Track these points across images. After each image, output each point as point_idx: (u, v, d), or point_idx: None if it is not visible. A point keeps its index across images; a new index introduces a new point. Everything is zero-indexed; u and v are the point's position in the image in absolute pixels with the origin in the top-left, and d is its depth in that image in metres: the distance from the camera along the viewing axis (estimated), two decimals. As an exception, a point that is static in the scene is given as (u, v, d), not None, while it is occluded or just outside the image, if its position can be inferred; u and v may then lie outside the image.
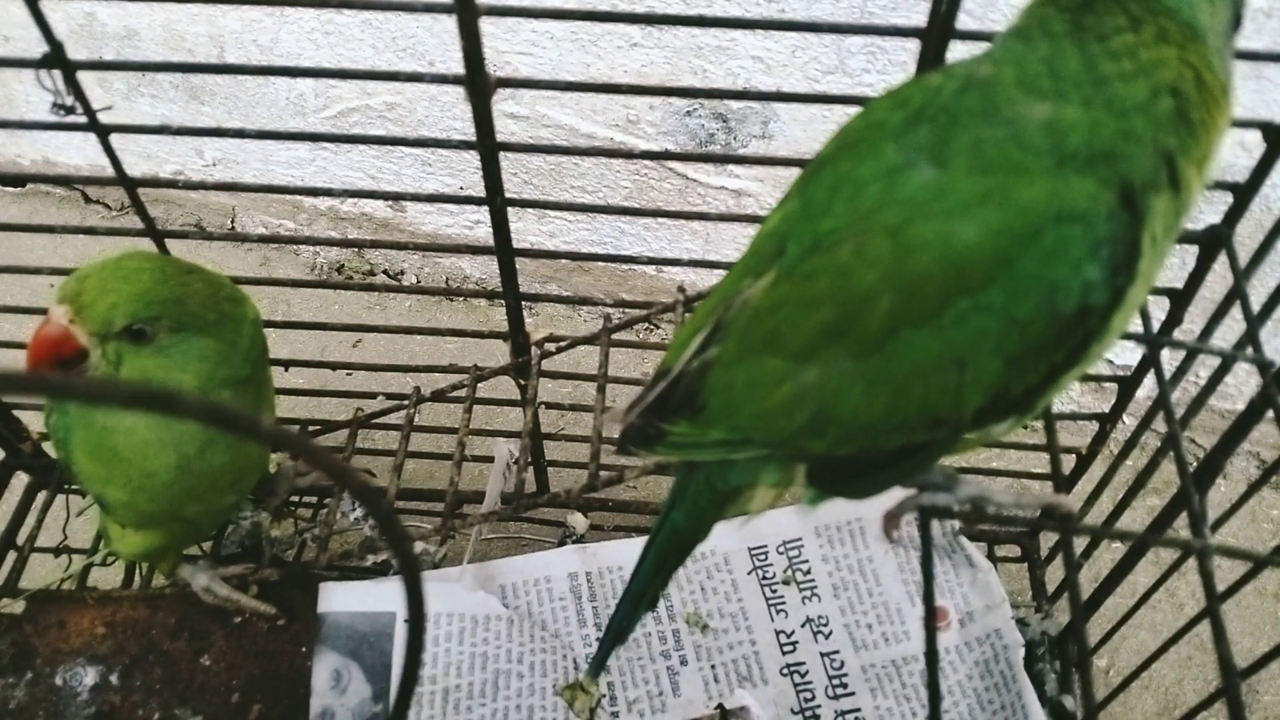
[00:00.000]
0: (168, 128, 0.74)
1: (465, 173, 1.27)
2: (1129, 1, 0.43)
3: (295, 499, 0.96)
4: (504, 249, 0.76)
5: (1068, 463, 0.84)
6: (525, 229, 1.29)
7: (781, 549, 0.91)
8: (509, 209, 0.73)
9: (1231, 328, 0.70)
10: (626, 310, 0.86)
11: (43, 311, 0.64)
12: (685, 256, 0.83)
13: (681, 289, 0.83)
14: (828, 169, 0.48)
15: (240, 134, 0.77)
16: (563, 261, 1.33)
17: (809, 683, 0.84)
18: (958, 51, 0.56)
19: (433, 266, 1.43)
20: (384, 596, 0.85)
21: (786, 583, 0.89)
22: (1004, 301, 0.42)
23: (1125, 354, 1.13)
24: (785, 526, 0.92)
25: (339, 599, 0.84)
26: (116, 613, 0.82)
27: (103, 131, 0.71)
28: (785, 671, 0.85)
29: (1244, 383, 1.11)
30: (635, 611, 0.62)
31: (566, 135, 1.17)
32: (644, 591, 0.61)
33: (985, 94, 0.44)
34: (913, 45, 0.62)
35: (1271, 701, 1.01)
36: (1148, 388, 0.81)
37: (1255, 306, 0.65)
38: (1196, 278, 0.72)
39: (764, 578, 0.90)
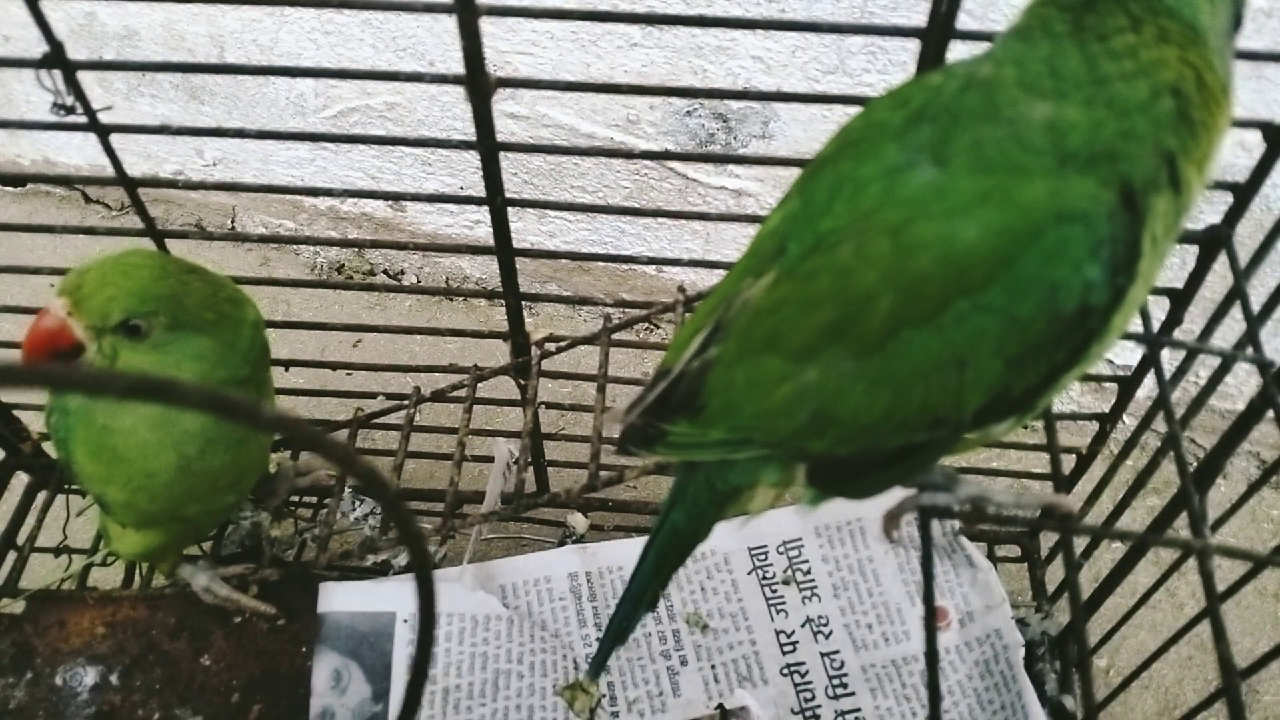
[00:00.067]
0: (168, 128, 0.74)
1: (465, 173, 1.27)
2: (1130, 2, 0.43)
3: (295, 499, 0.96)
4: (504, 249, 0.76)
5: (1068, 463, 0.84)
6: (525, 229, 1.29)
7: (781, 549, 0.91)
8: (509, 209, 0.73)
9: (1231, 328, 0.70)
10: (626, 310, 0.86)
11: (43, 311, 0.64)
12: (685, 256, 0.83)
13: (681, 289, 0.83)
14: (828, 169, 0.48)
15: (240, 134, 0.77)
16: (563, 261, 1.33)
17: (809, 683, 0.84)
18: (958, 51, 0.56)
19: (433, 266, 1.43)
20: (384, 596, 0.85)
21: (786, 583, 0.89)
22: (1005, 301, 0.42)
23: (1125, 354, 1.13)
24: (785, 526, 0.92)
25: (339, 599, 0.84)
26: (116, 613, 0.82)
27: (103, 131, 0.71)
28: (785, 671, 0.85)
29: (1244, 383, 1.11)
30: (635, 611, 0.62)
31: (566, 135, 1.17)
32: (644, 591, 0.61)
33: (986, 94, 0.44)
34: (913, 45, 0.62)
35: (1272, 701, 1.01)
36: (1148, 388, 0.81)
37: (1255, 306, 0.65)
38: (1196, 278, 0.72)
39: (764, 578, 0.90)
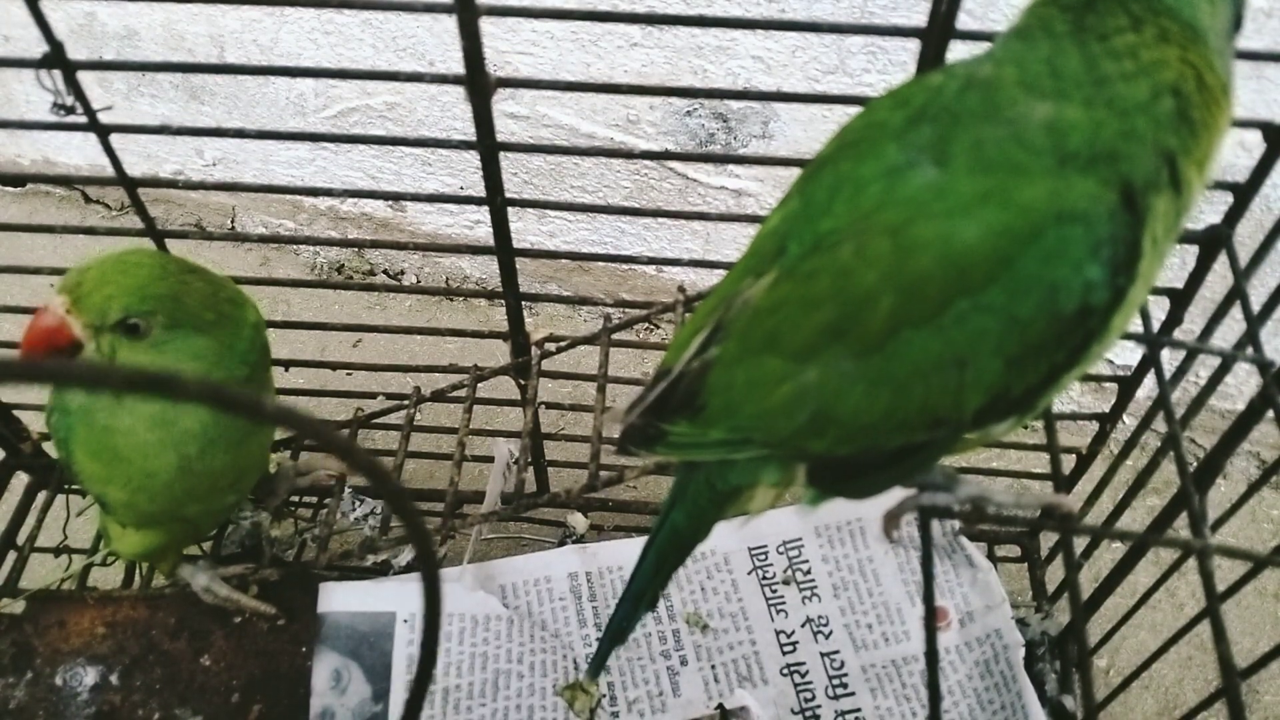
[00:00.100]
0: (168, 128, 0.74)
1: (465, 173, 1.27)
2: (1130, 2, 0.43)
3: (295, 499, 0.96)
4: (504, 249, 0.76)
5: (1068, 463, 0.84)
6: (525, 229, 1.29)
7: (781, 549, 0.91)
8: (509, 209, 0.73)
9: (1231, 328, 0.70)
10: (626, 310, 0.86)
11: (43, 311, 0.64)
12: (685, 256, 0.83)
13: (681, 289, 0.83)
14: (828, 169, 0.48)
15: (240, 134, 0.77)
16: (563, 261, 1.33)
17: (809, 683, 0.84)
18: (958, 51, 0.56)
19: (433, 266, 1.43)
20: (384, 596, 0.85)
21: (786, 583, 0.89)
22: (1005, 301, 0.42)
23: (1125, 354, 1.13)
24: (785, 526, 0.92)
25: (339, 599, 0.84)
26: (116, 613, 0.82)
27: (103, 131, 0.71)
28: (785, 671, 0.85)
29: (1244, 383, 1.11)
30: (635, 611, 0.62)
31: (566, 135, 1.17)
32: (644, 591, 0.61)
33: (987, 94, 0.44)
34: (913, 45, 0.62)
35: (1272, 701, 1.01)
36: (1148, 388, 0.81)
37: (1255, 306, 0.65)
38: (1196, 278, 0.72)
39: (764, 578, 0.90)
